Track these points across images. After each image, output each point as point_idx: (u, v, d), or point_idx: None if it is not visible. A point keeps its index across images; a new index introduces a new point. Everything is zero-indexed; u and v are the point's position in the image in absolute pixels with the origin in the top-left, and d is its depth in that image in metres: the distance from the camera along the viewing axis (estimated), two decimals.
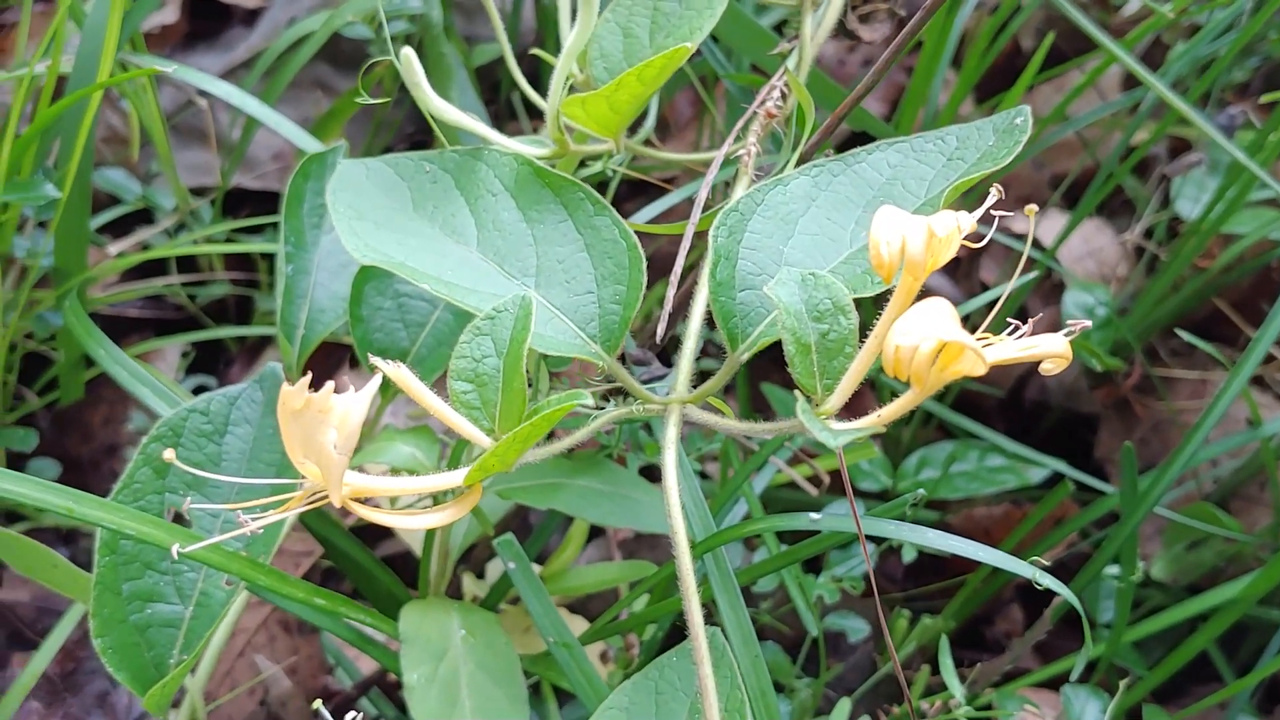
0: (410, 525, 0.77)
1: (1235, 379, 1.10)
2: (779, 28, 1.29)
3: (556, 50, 0.99)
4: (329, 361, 1.54)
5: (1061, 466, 1.41)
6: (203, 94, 1.66)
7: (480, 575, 1.27)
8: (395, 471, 1.03)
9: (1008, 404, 1.62)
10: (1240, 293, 1.56)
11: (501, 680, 0.98)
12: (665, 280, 0.97)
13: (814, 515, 0.88)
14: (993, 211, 0.76)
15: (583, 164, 1.07)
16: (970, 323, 1.02)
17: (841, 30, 1.13)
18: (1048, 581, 0.83)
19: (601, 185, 1.06)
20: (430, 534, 1.07)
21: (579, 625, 1.23)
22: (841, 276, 0.82)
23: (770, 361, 1.55)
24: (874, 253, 0.68)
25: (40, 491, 0.83)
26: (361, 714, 0.78)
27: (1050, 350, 0.70)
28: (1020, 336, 0.72)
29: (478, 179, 0.93)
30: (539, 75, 1.60)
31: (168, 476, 0.97)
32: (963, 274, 1.68)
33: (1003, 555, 0.84)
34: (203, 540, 0.80)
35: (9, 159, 1.17)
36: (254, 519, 0.73)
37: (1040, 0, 1.61)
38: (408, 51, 0.93)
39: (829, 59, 1.81)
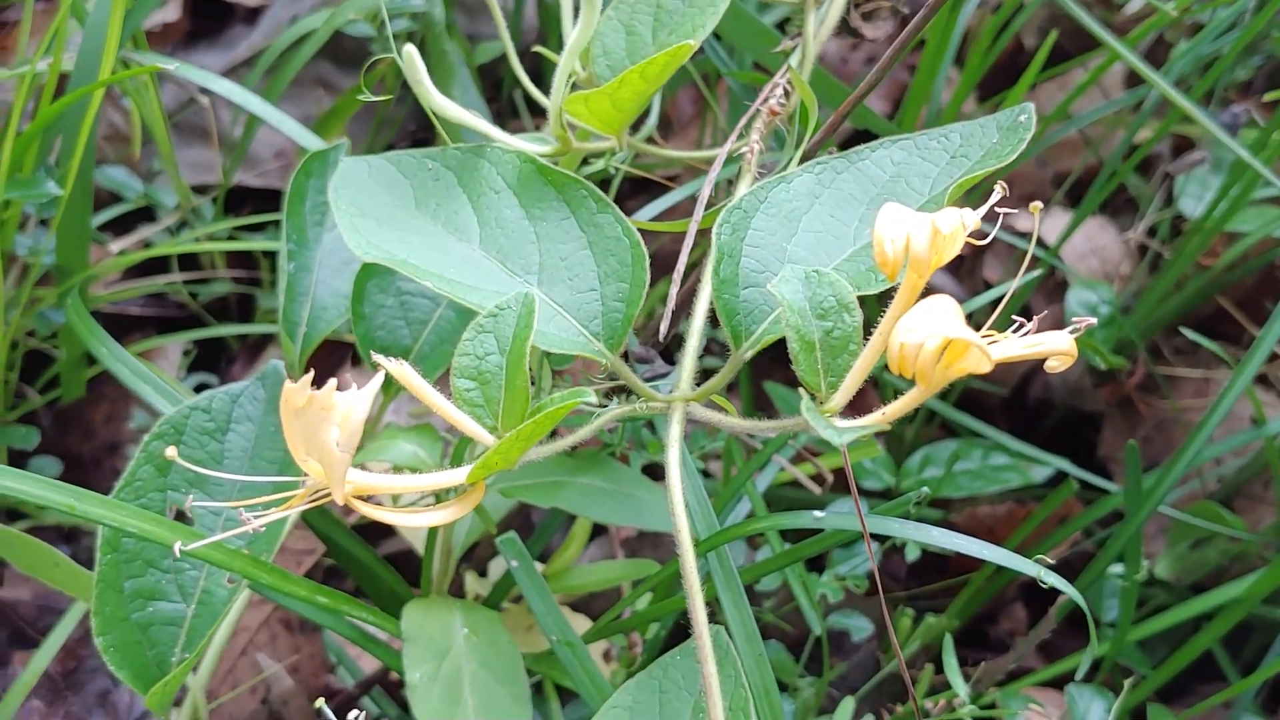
0: (413, 523, 0.77)
1: (1239, 377, 1.10)
2: (781, 25, 1.28)
3: (559, 48, 0.99)
4: (331, 359, 1.54)
5: (1065, 465, 1.40)
6: (204, 92, 1.66)
7: (483, 574, 1.26)
8: (397, 469, 1.02)
9: (1011, 402, 1.62)
10: (1244, 291, 1.55)
11: (504, 679, 0.98)
12: (667, 278, 0.97)
13: (818, 513, 0.88)
14: (997, 209, 0.75)
15: (585, 161, 1.07)
16: (974, 321, 1.01)
17: (844, 28, 1.12)
18: (1052, 580, 0.83)
19: (604, 183, 1.06)
20: (433, 532, 1.07)
21: (582, 624, 1.23)
22: (845, 274, 0.82)
23: (772, 360, 1.55)
24: (878, 250, 0.67)
25: (42, 489, 0.83)
26: (364, 712, 0.78)
27: (1055, 348, 0.70)
28: (1025, 334, 0.72)
29: (480, 176, 0.93)
30: (541, 73, 1.60)
31: (170, 474, 0.97)
32: (966, 272, 1.68)
33: (1007, 554, 0.84)
34: (205, 538, 0.80)
35: (11, 157, 1.16)
36: (256, 517, 0.73)
37: None
38: (410, 49, 0.93)
39: (832, 57, 1.81)
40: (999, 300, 0.88)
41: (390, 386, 1.15)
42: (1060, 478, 1.40)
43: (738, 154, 1.01)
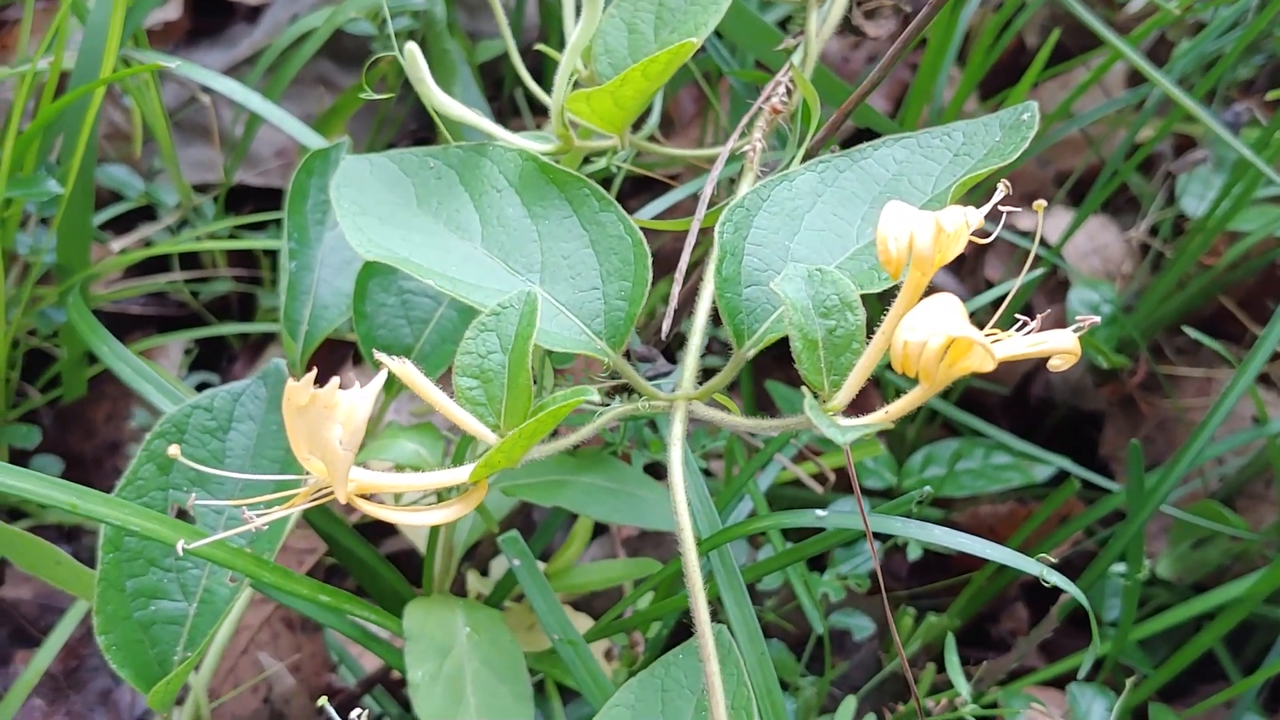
0: (416, 521, 0.77)
1: (1242, 376, 1.10)
2: (783, 24, 1.28)
3: (560, 47, 0.99)
4: (332, 358, 1.54)
5: (1067, 464, 1.40)
6: (206, 90, 1.66)
7: (484, 573, 1.26)
8: (399, 468, 1.02)
9: (1012, 401, 1.62)
10: (1246, 290, 1.55)
11: (506, 677, 0.98)
12: (669, 277, 0.97)
13: (820, 512, 0.88)
14: (1000, 207, 0.75)
15: (587, 160, 1.07)
16: (975, 320, 1.01)
17: (846, 26, 1.12)
18: (1055, 578, 0.83)
19: (605, 182, 1.06)
20: (435, 531, 1.07)
21: (583, 623, 1.23)
22: (848, 272, 0.82)
23: (774, 359, 1.55)
24: (882, 248, 0.67)
25: (45, 487, 0.82)
26: (366, 711, 0.78)
27: (1059, 346, 0.70)
28: (1028, 333, 0.72)
29: (482, 175, 0.93)
30: (542, 72, 1.60)
31: (171, 473, 0.97)
32: (967, 271, 1.68)
33: (1010, 552, 0.84)
34: (207, 537, 0.80)
35: (12, 155, 1.16)
36: (258, 515, 0.72)
37: None
38: (412, 47, 0.93)
39: (833, 56, 1.81)
40: (1001, 299, 0.88)
41: (392, 386, 1.14)
42: (1062, 477, 1.40)
43: (740, 152, 1.01)
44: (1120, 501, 1.25)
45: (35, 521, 1.36)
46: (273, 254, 1.61)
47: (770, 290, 0.83)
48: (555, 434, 0.83)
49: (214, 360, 1.61)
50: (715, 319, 0.89)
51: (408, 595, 1.07)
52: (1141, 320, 1.49)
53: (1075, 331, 0.71)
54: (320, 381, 0.67)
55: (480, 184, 0.93)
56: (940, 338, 0.64)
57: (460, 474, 0.77)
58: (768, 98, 1.01)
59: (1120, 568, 1.19)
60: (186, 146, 1.67)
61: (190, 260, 1.62)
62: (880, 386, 1.46)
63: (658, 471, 1.18)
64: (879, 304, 0.78)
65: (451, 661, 0.98)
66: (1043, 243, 1.57)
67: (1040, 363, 1.60)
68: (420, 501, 1.07)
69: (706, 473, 1.37)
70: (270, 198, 1.68)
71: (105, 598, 0.94)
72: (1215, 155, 1.56)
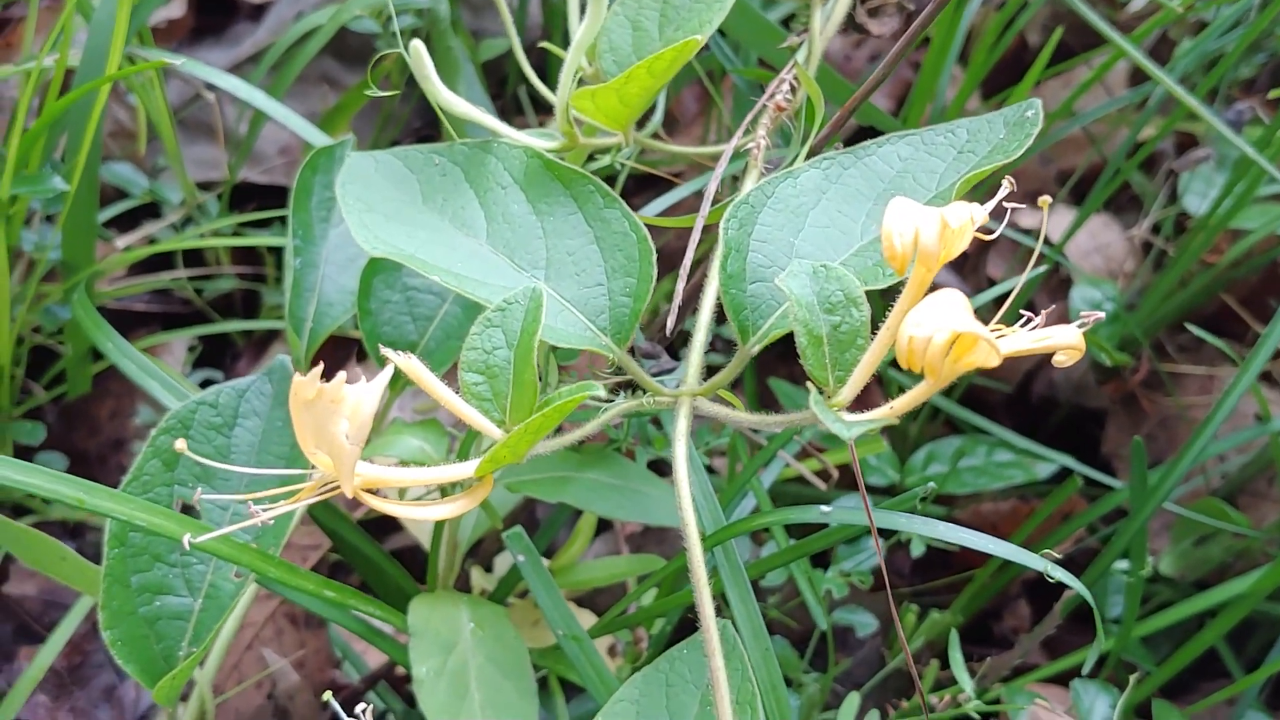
0: (421, 516, 0.77)
1: (1244, 374, 1.10)
2: (786, 22, 1.28)
3: (563, 45, 0.99)
4: (336, 356, 1.54)
5: (1069, 462, 1.40)
6: (210, 88, 1.66)
7: (488, 569, 1.27)
8: (404, 464, 1.03)
9: (1015, 399, 1.62)
10: (1248, 288, 1.55)
11: (511, 673, 0.98)
12: (672, 275, 0.97)
13: (824, 508, 0.88)
14: (1005, 204, 0.76)
15: (591, 158, 1.07)
16: (978, 318, 1.01)
17: (850, 24, 1.12)
18: (1059, 574, 0.83)
19: (610, 179, 1.06)
20: (439, 527, 1.07)
21: (587, 619, 1.23)
22: (853, 269, 0.82)
23: (777, 356, 1.56)
24: (887, 244, 0.68)
25: (51, 482, 0.83)
26: (371, 706, 0.78)
27: (1063, 341, 0.70)
28: (1033, 328, 0.72)
29: (487, 171, 0.93)
30: (546, 70, 1.60)
31: (177, 469, 0.97)
32: (969, 269, 1.68)
33: (1014, 548, 0.84)
34: (212, 532, 0.80)
35: (17, 153, 1.17)
36: (264, 510, 0.73)
37: None
38: (417, 44, 0.93)
39: (835, 54, 1.81)
40: (1003, 297, 0.88)
41: (396, 383, 1.15)
42: (1064, 475, 1.40)
43: (744, 150, 1.01)
44: (1122, 499, 1.25)
45: (39, 518, 1.37)
46: (277, 251, 1.61)
47: (775, 286, 0.83)
48: (559, 430, 0.83)
49: (218, 358, 1.61)
50: (719, 316, 0.90)
51: (412, 591, 1.08)
52: (1144, 318, 1.49)
53: (1080, 327, 0.71)
54: (326, 377, 0.67)
55: (485, 181, 0.93)
56: (945, 333, 0.64)
57: (466, 469, 0.77)
58: (772, 95, 1.02)
59: (1123, 565, 1.19)
60: (191, 144, 1.68)
61: (194, 258, 1.63)
62: (883, 384, 1.46)
63: (661, 468, 1.18)
64: (882, 301, 0.78)
65: (456, 657, 0.98)
66: (1045, 241, 1.57)
67: (1043, 361, 1.61)
68: (425, 497, 1.07)
69: (710, 470, 1.37)
70: (274, 195, 1.69)
71: (110, 593, 0.94)
72: (1218, 153, 1.56)
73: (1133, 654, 1.25)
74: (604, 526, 1.42)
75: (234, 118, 1.68)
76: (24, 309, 1.32)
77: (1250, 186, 1.36)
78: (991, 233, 0.74)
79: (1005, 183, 0.76)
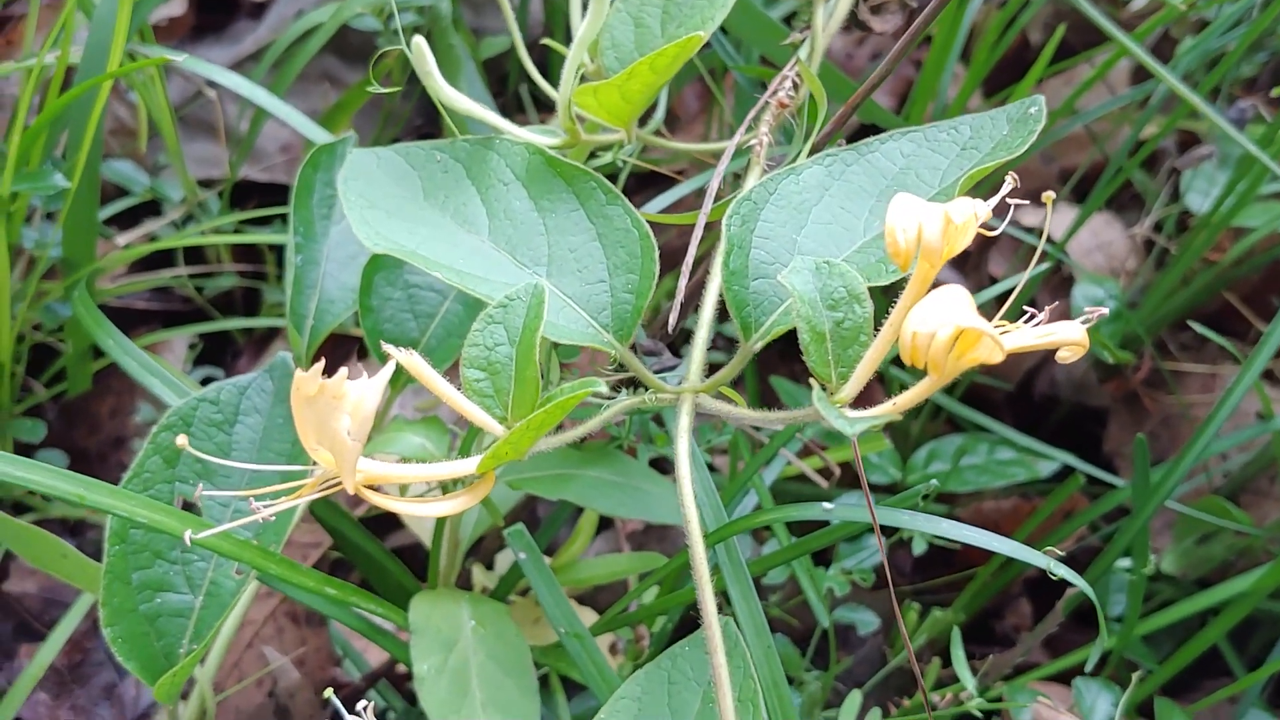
0: (423, 513, 0.77)
1: (1247, 372, 1.10)
2: (789, 20, 1.28)
3: (565, 43, 0.99)
4: (337, 353, 1.54)
5: (1071, 460, 1.40)
6: (211, 85, 1.66)
7: (489, 567, 1.26)
8: (405, 461, 1.02)
9: (1017, 398, 1.62)
10: (1251, 286, 1.55)
11: (512, 671, 0.98)
12: (673, 273, 0.97)
13: (827, 505, 0.88)
14: (1008, 200, 0.75)
15: (593, 155, 1.07)
16: (981, 315, 1.01)
17: (853, 21, 1.12)
18: (1062, 572, 0.83)
19: (611, 176, 1.06)
20: (440, 525, 1.07)
21: (588, 617, 1.23)
22: (856, 265, 0.82)
23: (778, 354, 1.55)
24: (890, 239, 0.67)
25: (52, 478, 0.83)
26: (372, 703, 0.78)
27: (1067, 337, 0.70)
28: (1036, 324, 0.72)
29: (489, 168, 0.93)
30: (547, 68, 1.59)
31: (178, 466, 0.97)
32: (971, 268, 1.68)
33: (1017, 545, 0.84)
34: (213, 529, 0.80)
35: (18, 150, 1.16)
36: (265, 506, 0.73)
37: None
38: (419, 40, 0.93)
39: (837, 53, 1.81)
40: (1005, 295, 0.88)
41: (397, 381, 1.15)
42: (1066, 473, 1.39)
43: (746, 147, 1.01)
44: (1124, 497, 1.25)
45: (40, 515, 1.36)
46: (277, 249, 1.61)
47: (777, 283, 0.83)
48: (560, 427, 0.83)
49: (218, 356, 1.61)
50: (720, 314, 0.89)
51: (413, 589, 1.08)
52: (1146, 316, 1.49)
53: (1084, 323, 0.71)
54: (328, 374, 0.67)
55: (487, 177, 0.93)
56: (949, 329, 0.64)
57: (468, 465, 0.77)
58: (774, 92, 1.01)
59: (1125, 563, 1.19)
60: (191, 142, 1.68)
61: (195, 255, 1.63)
62: (884, 382, 1.46)
63: (663, 467, 1.18)
64: (884, 298, 0.78)
65: (457, 655, 0.98)
66: (1047, 239, 1.57)
67: (1044, 359, 1.61)
68: (426, 494, 1.07)
69: (711, 468, 1.37)
70: (275, 193, 1.69)
71: (111, 590, 0.94)
72: (1220, 152, 1.56)
73: (1135, 652, 1.25)
74: (605, 524, 1.41)
75: (235, 115, 1.68)
76: (24, 306, 1.32)
77: (1253, 185, 1.36)
78: (993, 230, 0.74)
79: (1009, 178, 0.76)
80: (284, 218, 1.56)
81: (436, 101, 0.97)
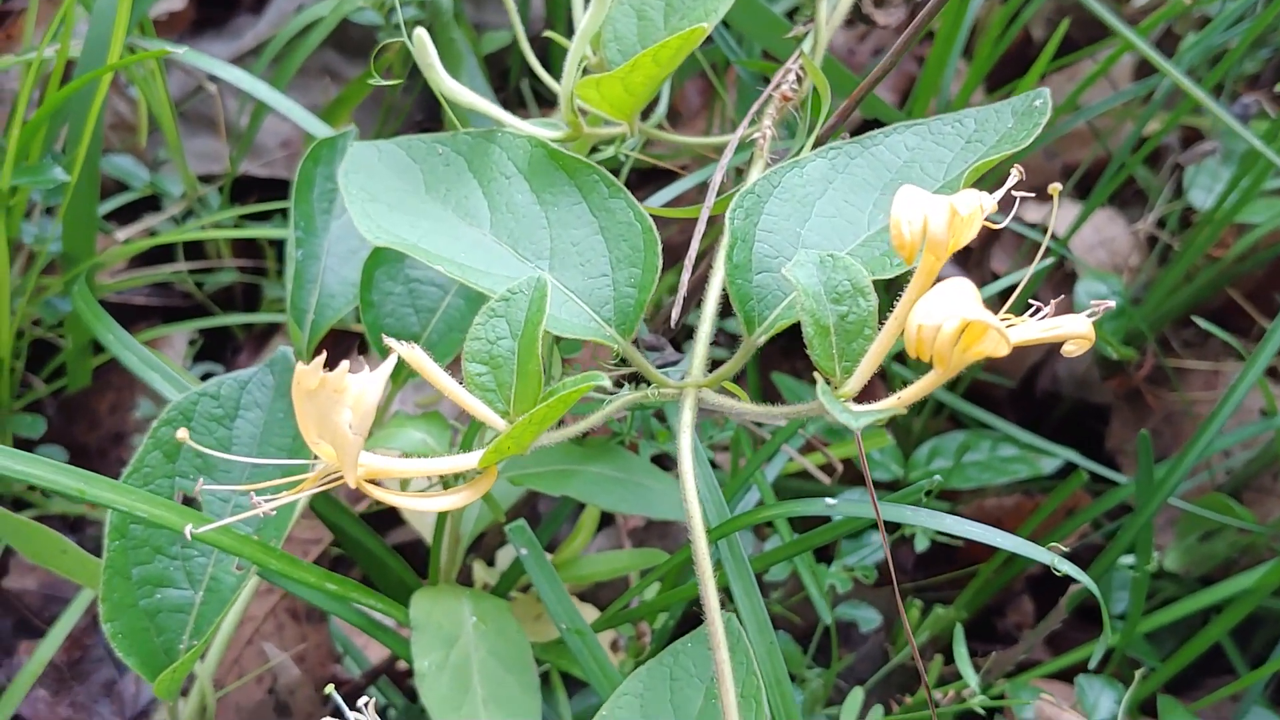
0: (424, 507, 0.77)
1: (1250, 369, 1.09)
2: (791, 14, 1.28)
3: (566, 37, 0.99)
4: (337, 349, 1.54)
5: (1074, 457, 1.40)
6: (212, 80, 1.65)
7: (490, 563, 1.26)
8: (406, 457, 1.02)
9: (1019, 394, 1.61)
10: (1254, 283, 1.55)
11: (514, 667, 0.98)
12: (675, 269, 0.97)
13: (830, 500, 0.87)
14: (1013, 193, 0.75)
15: (595, 149, 1.06)
16: None
17: (856, 15, 1.12)
18: (1066, 568, 0.82)
19: (614, 170, 1.06)
20: (441, 520, 1.06)
21: (589, 613, 1.23)
22: (860, 259, 0.81)
23: (780, 351, 1.55)
24: (895, 232, 0.67)
25: (52, 473, 0.82)
26: (372, 700, 0.78)
27: (1073, 330, 0.69)
28: (1041, 318, 0.72)
29: (491, 161, 0.93)
30: (549, 63, 1.59)
31: (178, 460, 0.97)
32: (973, 263, 1.67)
33: (1021, 541, 0.84)
34: (213, 523, 0.80)
35: (17, 144, 1.16)
36: (266, 501, 0.72)
37: None
38: (421, 33, 0.93)
39: (839, 48, 1.80)
40: (1008, 291, 0.88)
41: (398, 376, 1.14)
42: (1068, 470, 1.39)
43: (749, 140, 1.01)
44: (1127, 494, 1.25)
45: (39, 511, 1.36)
46: (277, 245, 1.61)
47: (781, 277, 0.82)
48: (562, 422, 0.83)
49: (218, 351, 1.61)
50: (723, 309, 0.89)
51: (414, 585, 1.07)
52: (1149, 313, 1.48)
53: (1089, 317, 0.71)
54: (328, 368, 0.67)
55: (489, 170, 0.92)
56: (955, 321, 0.63)
57: (470, 460, 0.77)
58: (778, 85, 1.01)
59: (1128, 560, 1.19)
60: (192, 137, 1.67)
61: (195, 251, 1.62)
62: (886, 379, 1.46)
63: (664, 463, 1.17)
64: (887, 293, 0.77)
65: (458, 651, 0.97)
66: (1050, 235, 1.56)
67: (1047, 355, 1.60)
68: (428, 490, 1.07)
69: (713, 464, 1.37)
70: (275, 188, 1.68)
71: (111, 585, 0.93)
72: (1223, 148, 1.55)
73: (1137, 650, 1.25)
74: (606, 521, 1.41)
75: (235, 110, 1.68)
76: (24, 301, 1.31)
77: (1256, 180, 1.35)
78: (997, 225, 0.74)
79: (1014, 171, 0.76)
80: (284, 213, 1.56)
81: (438, 94, 0.97)
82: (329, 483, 0.73)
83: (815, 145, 0.98)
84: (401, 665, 1.22)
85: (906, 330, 0.65)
